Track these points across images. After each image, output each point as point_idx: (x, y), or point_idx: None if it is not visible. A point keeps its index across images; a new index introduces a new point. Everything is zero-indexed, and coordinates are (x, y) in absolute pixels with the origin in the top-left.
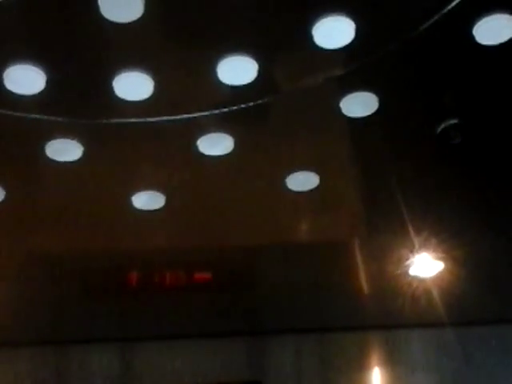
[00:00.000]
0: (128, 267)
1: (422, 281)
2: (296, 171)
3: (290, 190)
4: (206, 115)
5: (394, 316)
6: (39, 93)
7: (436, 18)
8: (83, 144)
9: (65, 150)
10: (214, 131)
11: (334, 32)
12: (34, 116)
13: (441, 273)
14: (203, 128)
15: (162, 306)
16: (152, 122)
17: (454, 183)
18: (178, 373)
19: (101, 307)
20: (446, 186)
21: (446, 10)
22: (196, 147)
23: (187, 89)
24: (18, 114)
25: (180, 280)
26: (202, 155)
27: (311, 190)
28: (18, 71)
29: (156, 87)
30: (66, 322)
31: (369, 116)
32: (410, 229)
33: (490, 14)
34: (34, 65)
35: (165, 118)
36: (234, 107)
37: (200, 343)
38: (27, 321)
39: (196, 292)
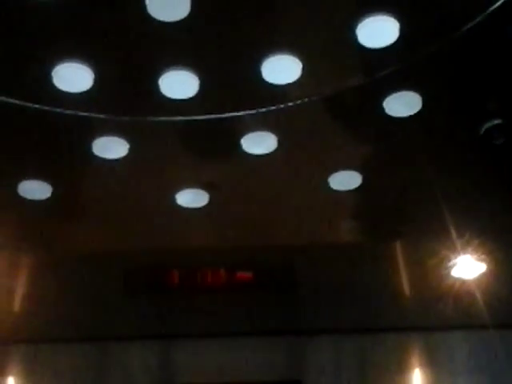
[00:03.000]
0: (170, 265)
1: (464, 282)
2: (339, 170)
3: (333, 190)
4: (250, 114)
5: (436, 317)
6: (87, 91)
7: (479, 18)
8: (129, 141)
9: (111, 148)
10: (258, 130)
11: (378, 31)
12: (81, 113)
13: (483, 274)
14: (247, 126)
15: (203, 304)
16: (196, 120)
17: (497, 184)
18: (217, 371)
19: (142, 305)
20: (489, 188)
21: (489, 11)
22: (240, 145)
23: (232, 87)
24: (65, 111)
25: (221, 279)
26: (246, 153)
27: (354, 190)
28: (67, 69)
29: (201, 85)
30: (107, 319)
31: (412, 116)
32: (453, 230)
33: None
34: (82, 63)
35: (209, 116)
36: (278, 106)
37: (241, 342)
38: (69, 318)
39: (237, 291)
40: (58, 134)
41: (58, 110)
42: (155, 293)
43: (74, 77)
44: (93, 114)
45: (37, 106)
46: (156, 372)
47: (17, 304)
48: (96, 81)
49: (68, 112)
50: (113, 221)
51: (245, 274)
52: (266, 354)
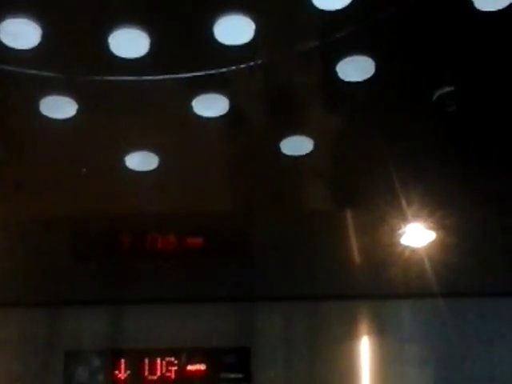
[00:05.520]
0: (119, 230)
1: (413, 251)
2: (290, 135)
3: (284, 155)
4: (202, 75)
5: (385, 285)
6: (34, 47)
7: None
8: (77, 101)
9: (59, 107)
10: (210, 92)
11: None
12: (28, 71)
13: (432, 243)
14: (198, 88)
15: (154, 270)
16: (147, 81)
17: (448, 153)
18: (167, 336)
19: (91, 269)
20: (440, 156)
21: None
22: (191, 108)
23: (183, 47)
24: (12, 68)
25: (171, 244)
26: (197, 116)
27: (305, 155)
28: (14, 24)
29: (152, 45)
30: (57, 283)
31: (365, 81)
32: (402, 198)
33: None
34: (30, 19)
35: (160, 76)
36: (230, 68)
37: (190, 308)
38: (20, 282)
39: (187, 257)
40: (3, 92)
41: (4, 66)
42: (104, 257)
43: (20, 33)
44: (40, 72)
45: None
46: (105, 337)
47: None
48: (44, 37)
49: (14, 69)
50: (61, 183)
51: (195, 240)
52: (215, 320)
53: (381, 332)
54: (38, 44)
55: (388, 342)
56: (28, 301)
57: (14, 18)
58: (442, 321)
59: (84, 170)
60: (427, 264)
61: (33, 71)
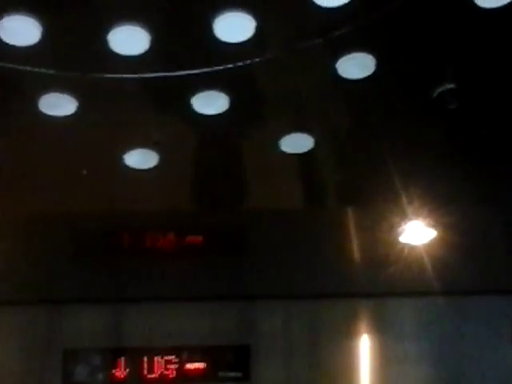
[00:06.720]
0: (119, 228)
1: (413, 248)
2: (291, 133)
3: (285, 152)
4: (202, 72)
5: (385, 284)
6: (34, 44)
7: None
8: (77, 99)
9: (58, 104)
10: (209, 89)
11: None
12: (28, 68)
13: (433, 240)
14: (198, 85)
15: (154, 268)
16: (146, 78)
17: (448, 150)
18: (167, 335)
19: (92, 268)
20: (440, 153)
21: None
22: (190, 105)
23: (183, 45)
24: (11, 65)
25: (171, 242)
26: (197, 113)
27: (305, 153)
28: (14, 21)
29: (152, 42)
30: (58, 282)
31: (365, 78)
32: (403, 196)
33: None
34: (30, 15)
35: (160, 74)
36: (230, 65)
37: (191, 306)
38: (21, 280)
39: (187, 255)
40: (3, 90)
41: (3, 64)
42: (103, 256)
43: (21, 30)
44: (40, 69)
45: None
46: (104, 335)
47: None
48: (44, 34)
49: (14, 66)
50: (61, 181)
51: (195, 238)
52: (216, 319)
53: (380, 330)
54: (38, 41)
55: (387, 339)
56: (27, 299)
57: (14, 14)
58: (441, 319)
59: (84, 171)
60: (427, 262)
61: (32, 68)
